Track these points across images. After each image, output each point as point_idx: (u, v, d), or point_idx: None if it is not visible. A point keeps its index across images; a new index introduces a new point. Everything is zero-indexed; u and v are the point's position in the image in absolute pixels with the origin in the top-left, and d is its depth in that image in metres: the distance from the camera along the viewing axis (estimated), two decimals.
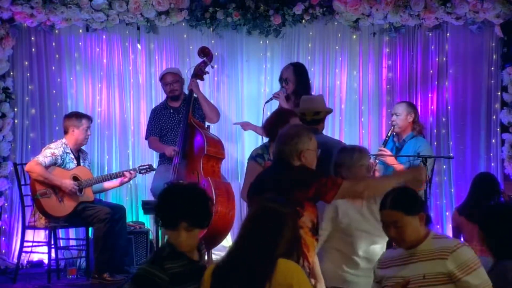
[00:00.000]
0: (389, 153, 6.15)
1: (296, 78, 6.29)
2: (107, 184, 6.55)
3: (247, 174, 5.05)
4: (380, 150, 6.14)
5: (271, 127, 4.88)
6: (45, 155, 6.16)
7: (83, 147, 6.50)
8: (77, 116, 6.38)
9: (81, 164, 6.39)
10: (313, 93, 6.50)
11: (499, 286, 3.15)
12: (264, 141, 5.56)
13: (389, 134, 6.32)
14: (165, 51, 7.26)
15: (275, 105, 6.29)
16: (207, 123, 6.67)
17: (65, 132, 6.37)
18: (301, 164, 3.84)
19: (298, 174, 3.76)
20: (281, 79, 6.39)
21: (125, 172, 6.49)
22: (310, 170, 3.84)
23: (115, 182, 6.54)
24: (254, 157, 4.95)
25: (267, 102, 6.31)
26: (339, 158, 4.31)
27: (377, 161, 6.11)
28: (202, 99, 6.56)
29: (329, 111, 5.33)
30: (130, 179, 6.52)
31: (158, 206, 3.09)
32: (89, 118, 6.44)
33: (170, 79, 6.62)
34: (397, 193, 3.30)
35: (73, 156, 6.32)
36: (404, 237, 3.23)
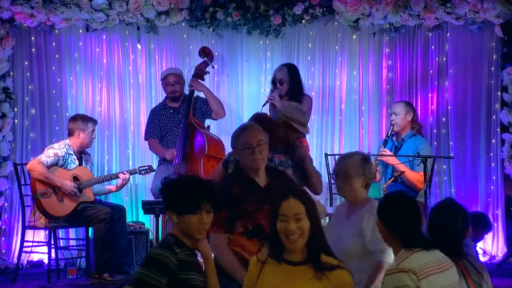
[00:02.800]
0: (390, 153, 6.16)
1: (291, 79, 6.31)
2: (109, 187, 6.53)
3: None
4: (382, 151, 6.15)
5: None
6: (47, 155, 6.15)
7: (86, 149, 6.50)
8: (83, 119, 6.36)
9: (83, 165, 6.38)
10: (306, 93, 6.50)
11: None
12: None
13: (388, 134, 6.34)
14: (165, 51, 7.26)
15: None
16: (207, 123, 6.68)
17: (70, 134, 6.35)
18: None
19: None
20: (274, 81, 6.39)
21: (119, 174, 6.45)
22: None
23: (113, 186, 6.50)
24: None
25: (263, 105, 6.32)
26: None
27: (377, 161, 6.13)
28: (209, 94, 6.54)
29: None
30: (123, 181, 6.45)
31: (177, 193, 3.09)
32: (95, 122, 6.44)
33: (172, 80, 6.61)
34: None
35: (75, 157, 6.31)
36: None
